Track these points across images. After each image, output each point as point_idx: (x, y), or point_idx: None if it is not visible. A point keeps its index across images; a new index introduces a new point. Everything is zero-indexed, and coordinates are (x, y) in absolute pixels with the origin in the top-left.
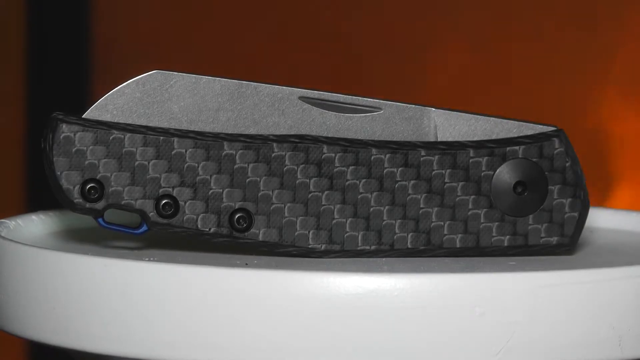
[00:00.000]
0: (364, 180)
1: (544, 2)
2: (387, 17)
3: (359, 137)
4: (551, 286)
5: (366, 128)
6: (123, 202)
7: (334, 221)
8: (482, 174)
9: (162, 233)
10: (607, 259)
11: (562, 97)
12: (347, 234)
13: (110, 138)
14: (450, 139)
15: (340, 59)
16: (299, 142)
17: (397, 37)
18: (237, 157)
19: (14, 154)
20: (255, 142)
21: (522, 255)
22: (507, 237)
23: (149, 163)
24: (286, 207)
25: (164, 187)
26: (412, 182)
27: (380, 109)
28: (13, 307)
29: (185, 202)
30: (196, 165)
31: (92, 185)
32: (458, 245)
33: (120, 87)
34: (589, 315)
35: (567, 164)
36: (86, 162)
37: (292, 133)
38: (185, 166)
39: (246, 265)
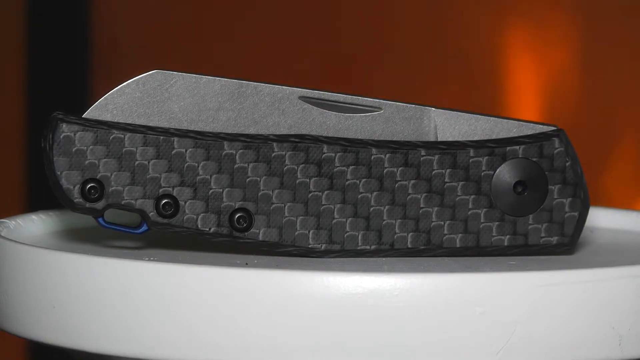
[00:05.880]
0: (364, 180)
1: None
2: (387, 17)
3: (359, 137)
4: (551, 286)
5: (366, 128)
6: (123, 202)
7: (334, 221)
8: (482, 174)
9: (162, 233)
10: (607, 259)
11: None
12: (347, 234)
13: (110, 138)
14: (450, 139)
15: (340, 59)
16: (299, 142)
17: (397, 37)
18: (237, 156)
19: (14, 154)
20: (255, 142)
21: (522, 255)
22: (507, 236)
23: (149, 163)
24: (286, 206)
25: (164, 187)
26: (412, 181)
27: (380, 108)
28: (13, 307)
29: (185, 202)
30: (196, 165)
31: (92, 185)
32: (458, 245)
33: (121, 87)
34: (589, 315)
35: (567, 164)
36: (86, 162)
37: (292, 133)
38: (185, 166)
39: (246, 265)
